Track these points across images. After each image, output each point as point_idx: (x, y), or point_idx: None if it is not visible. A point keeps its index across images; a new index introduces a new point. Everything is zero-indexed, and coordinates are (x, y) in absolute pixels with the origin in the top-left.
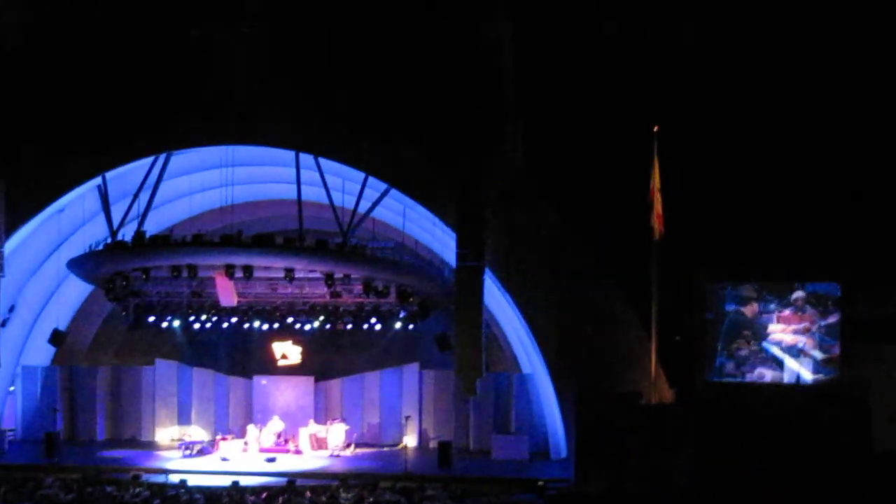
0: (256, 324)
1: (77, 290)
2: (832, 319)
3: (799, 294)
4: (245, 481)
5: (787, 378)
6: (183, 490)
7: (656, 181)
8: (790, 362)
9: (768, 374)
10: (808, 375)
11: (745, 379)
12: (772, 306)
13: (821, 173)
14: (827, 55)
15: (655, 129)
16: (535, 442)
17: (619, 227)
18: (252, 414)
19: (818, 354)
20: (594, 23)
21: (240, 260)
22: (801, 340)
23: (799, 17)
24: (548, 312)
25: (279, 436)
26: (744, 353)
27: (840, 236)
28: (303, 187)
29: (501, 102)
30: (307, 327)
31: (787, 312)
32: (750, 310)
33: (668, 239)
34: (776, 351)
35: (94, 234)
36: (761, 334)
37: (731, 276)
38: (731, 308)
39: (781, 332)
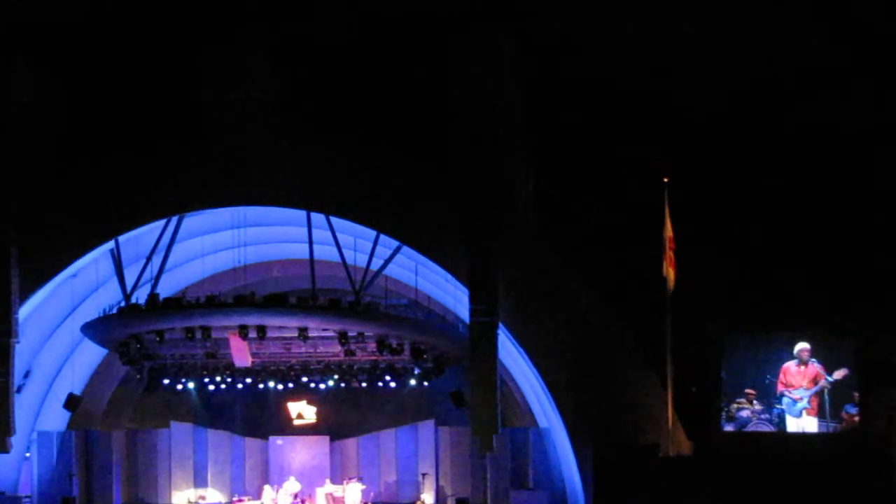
0: (271, 384)
1: (91, 355)
2: (840, 375)
3: (803, 346)
4: None
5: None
6: None
7: (668, 231)
8: (793, 421)
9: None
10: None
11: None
12: (778, 358)
13: (836, 219)
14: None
15: (665, 179)
16: (553, 496)
17: (633, 280)
18: (268, 475)
19: (826, 412)
20: (605, 72)
21: (253, 320)
22: (806, 397)
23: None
24: (563, 366)
25: (296, 496)
26: (745, 413)
27: (855, 285)
28: (315, 246)
29: (513, 156)
30: (322, 386)
31: (790, 365)
32: (753, 364)
33: (682, 290)
34: (779, 408)
35: (107, 297)
36: (764, 392)
37: (740, 327)
38: (735, 362)
39: (785, 388)
